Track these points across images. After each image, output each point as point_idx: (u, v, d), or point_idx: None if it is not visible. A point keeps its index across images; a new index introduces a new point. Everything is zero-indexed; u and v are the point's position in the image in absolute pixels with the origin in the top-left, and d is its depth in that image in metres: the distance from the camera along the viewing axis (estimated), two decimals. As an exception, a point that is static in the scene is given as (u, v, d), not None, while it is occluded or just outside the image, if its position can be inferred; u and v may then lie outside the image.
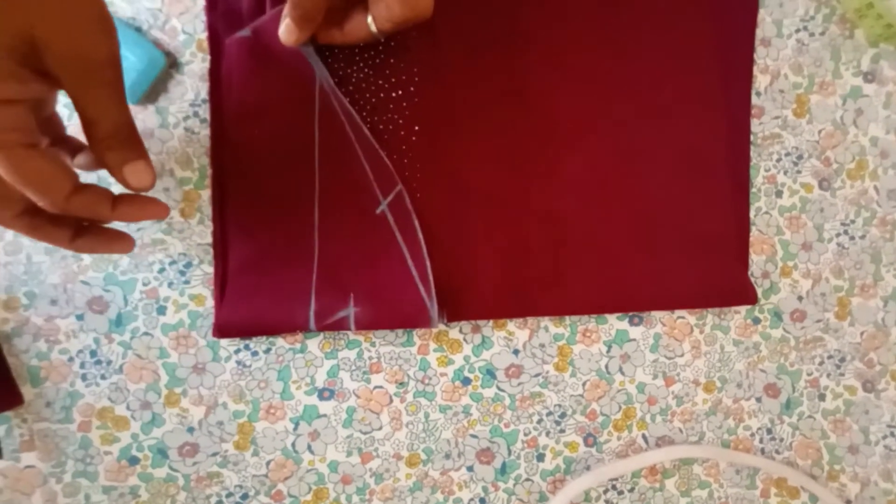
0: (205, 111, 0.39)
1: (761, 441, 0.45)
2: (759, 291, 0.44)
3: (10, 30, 0.24)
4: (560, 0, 0.41)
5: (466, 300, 0.40)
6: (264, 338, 0.39)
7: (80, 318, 0.38)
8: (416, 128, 0.40)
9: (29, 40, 0.25)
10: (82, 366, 0.38)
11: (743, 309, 0.44)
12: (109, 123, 0.28)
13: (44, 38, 0.25)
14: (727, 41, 0.44)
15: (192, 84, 0.39)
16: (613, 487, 0.43)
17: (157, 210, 0.32)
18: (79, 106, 0.27)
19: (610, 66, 0.42)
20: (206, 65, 0.39)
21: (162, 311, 0.39)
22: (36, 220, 0.30)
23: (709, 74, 0.43)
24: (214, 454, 0.39)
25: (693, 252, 0.42)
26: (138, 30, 0.39)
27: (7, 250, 0.38)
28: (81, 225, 0.31)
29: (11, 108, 0.26)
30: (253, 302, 0.38)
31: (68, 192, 0.28)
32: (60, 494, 0.38)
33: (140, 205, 0.31)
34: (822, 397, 0.45)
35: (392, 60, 0.40)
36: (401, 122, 0.40)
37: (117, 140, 0.28)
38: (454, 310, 0.40)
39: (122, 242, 0.33)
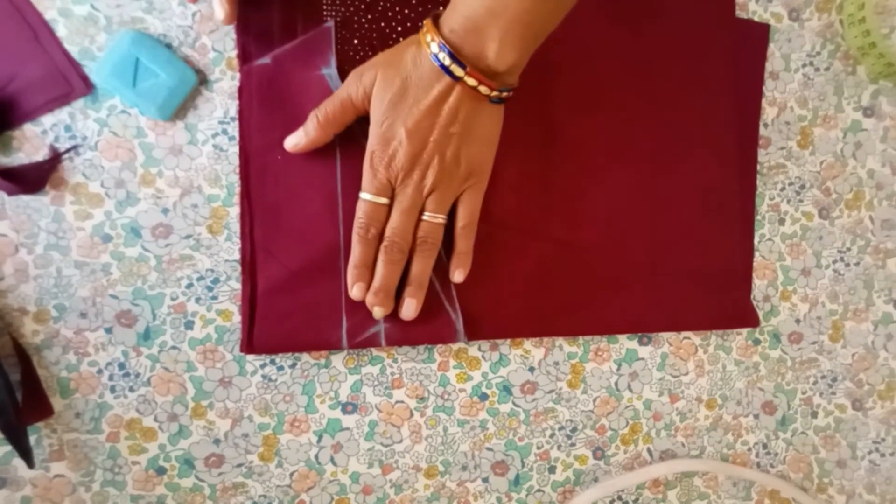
0: (233, 129, 0.40)
1: (757, 455, 0.47)
2: (760, 314, 0.47)
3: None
4: (588, 41, 0.43)
5: (487, 320, 0.41)
6: (290, 353, 0.40)
7: (108, 331, 0.39)
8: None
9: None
10: (111, 378, 0.39)
11: (745, 330, 0.47)
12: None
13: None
14: (739, 75, 0.45)
15: (221, 101, 0.40)
16: (619, 498, 0.45)
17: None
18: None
19: (632, 103, 0.43)
20: (236, 83, 0.40)
21: (189, 325, 0.40)
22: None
23: (723, 109, 0.45)
24: (240, 465, 0.40)
25: (701, 278, 0.45)
26: (169, 47, 0.39)
27: (37, 263, 0.38)
28: None
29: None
30: (285, 322, 0.39)
31: None
32: (89, 503, 0.39)
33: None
34: (814, 415, 0.48)
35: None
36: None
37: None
38: (474, 329, 0.41)
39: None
